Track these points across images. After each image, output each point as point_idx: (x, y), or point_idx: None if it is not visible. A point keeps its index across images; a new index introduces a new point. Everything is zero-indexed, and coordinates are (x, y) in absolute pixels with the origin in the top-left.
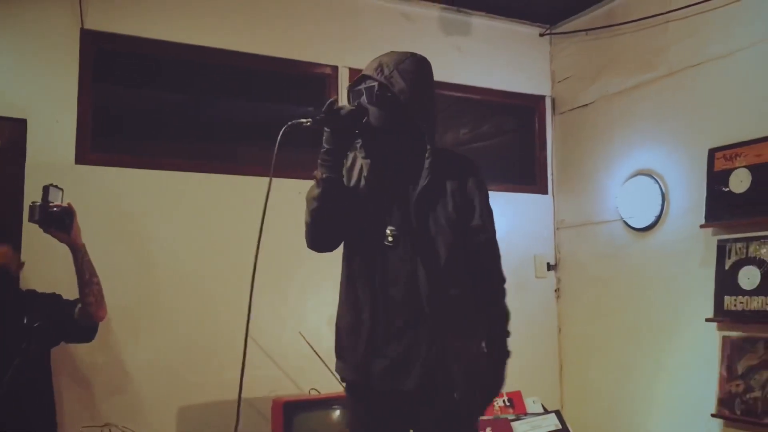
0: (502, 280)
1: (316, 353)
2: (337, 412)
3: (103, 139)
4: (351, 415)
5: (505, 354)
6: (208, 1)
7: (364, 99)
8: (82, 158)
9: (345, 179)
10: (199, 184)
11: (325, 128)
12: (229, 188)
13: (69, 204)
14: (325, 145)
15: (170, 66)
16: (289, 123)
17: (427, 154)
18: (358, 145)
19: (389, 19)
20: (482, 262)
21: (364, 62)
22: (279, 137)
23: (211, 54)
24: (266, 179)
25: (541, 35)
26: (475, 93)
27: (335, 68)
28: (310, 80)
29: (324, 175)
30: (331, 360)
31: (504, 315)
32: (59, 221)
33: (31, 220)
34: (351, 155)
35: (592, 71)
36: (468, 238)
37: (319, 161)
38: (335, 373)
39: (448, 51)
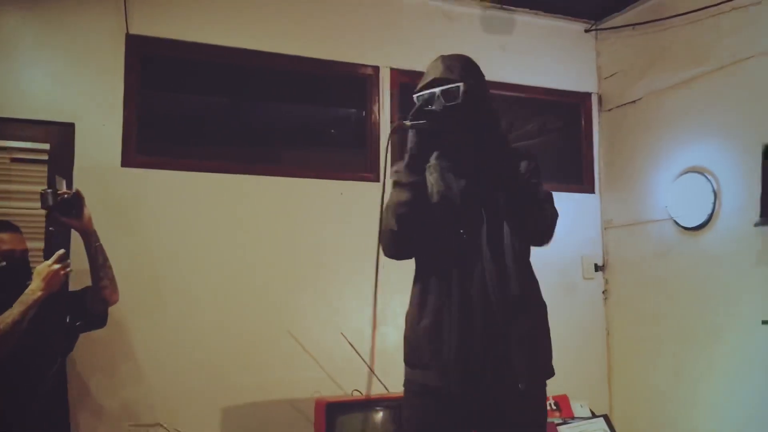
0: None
1: (359, 354)
2: (380, 414)
3: (148, 143)
4: (418, 421)
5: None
6: (249, 4)
7: (442, 100)
8: (127, 161)
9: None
10: (243, 185)
11: (413, 131)
12: (272, 190)
13: (78, 190)
14: (412, 149)
15: (213, 69)
16: (395, 125)
17: (500, 153)
18: (435, 157)
19: (431, 19)
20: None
21: (406, 62)
22: (388, 139)
23: (253, 57)
24: (306, 180)
25: (587, 31)
26: (519, 91)
27: (377, 68)
28: (351, 81)
29: (411, 180)
30: (376, 361)
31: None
32: (70, 207)
33: (43, 206)
34: (430, 166)
35: (640, 67)
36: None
37: (404, 166)
38: (378, 378)
39: (491, 49)
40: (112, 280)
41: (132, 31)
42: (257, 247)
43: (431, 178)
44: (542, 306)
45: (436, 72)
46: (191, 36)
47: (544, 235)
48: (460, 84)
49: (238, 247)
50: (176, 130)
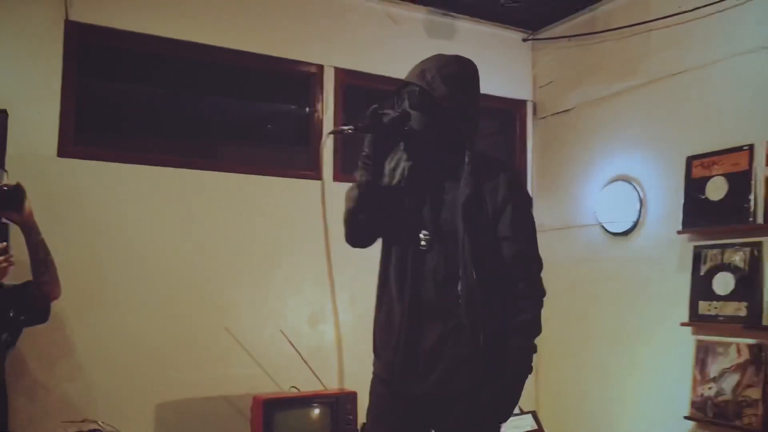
0: (539, 292)
1: (297, 351)
2: (317, 410)
3: (86, 133)
4: (374, 411)
5: (530, 347)
6: None
7: (407, 104)
8: (64, 151)
9: (387, 178)
10: (180, 179)
11: (367, 134)
12: (209, 185)
13: (18, 183)
14: (366, 149)
15: (154, 60)
16: (332, 131)
17: (467, 160)
18: (403, 147)
19: (375, 19)
20: (513, 273)
21: (350, 62)
22: (322, 145)
23: (196, 49)
24: (247, 176)
25: (524, 40)
26: None
27: (321, 67)
28: (295, 78)
29: (363, 179)
30: (311, 358)
31: (535, 321)
32: (10, 201)
33: None
34: (396, 156)
35: (574, 77)
36: (501, 248)
37: (359, 164)
38: (315, 375)
39: (431, 53)
40: (54, 274)
41: (72, 18)
42: (196, 242)
43: (392, 175)
44: (498, 302)
45: (412, 74)
46: (133, 25)
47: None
48: (416, 89)
49: (176, 243)
50: (114, 121)
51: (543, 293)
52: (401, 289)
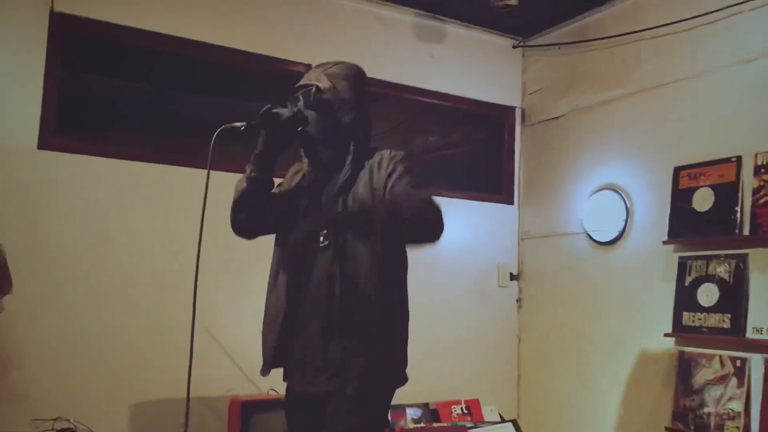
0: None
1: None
2: None
3: (67, 126)
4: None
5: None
6: None
7: (301, 104)
8: (44, 144)
9: (289, 181)
10: (161, 176)
11: (261, 132)
12: (189, 181)
13: None
14: (259, 146)
15: (140, 55)
16: (223, 126)
17: (350, 150)
18: (302, 151)
19: (364, 21)
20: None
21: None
22: (212, 139)
23: (184, 45)
24: (227, 174)
25: (514, 47)
26: (445, 100)
27: (309, 66)
28: (281, 78)
29: (252, 174)
30: None
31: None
32: None
33: None
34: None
35: (563, 85)
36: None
37: (251, 159)
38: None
39: (420, 57)
40: (3, 267)
41: (57, 9)
42: (175, 240)
43: (287, 177)
44: (387, 306)
45: (305, 78)
46: (120, 18)
47: (423, 236)
48: (310, 88)
49: (155, 240)
50: (97, 115)
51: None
52: (293, 288)
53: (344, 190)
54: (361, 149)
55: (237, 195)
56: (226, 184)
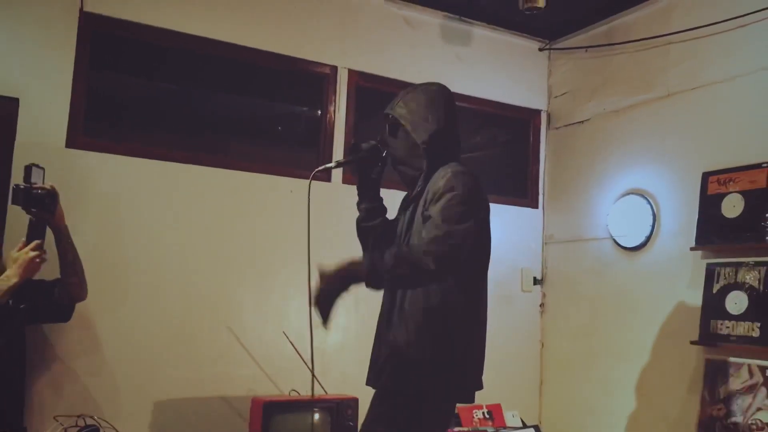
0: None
1: (299, 353)
2: (317, 415)
3: (95, 125)
4: None
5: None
6: None
7: (386, 132)
8: (72, 142)
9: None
10: (187, 175)
11: (353, 166)
12: (218, 182)
13: (52, 186)
14: (357, 178)
15: (168, 55)
16: (318, 169)
17: (423, 173)
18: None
19: (391, 22)
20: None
21: (364, 65)
22: (309, 183)
23: (211, 45)
24: (254, 175)
25: (541, 50)
26: (471, 103)
27: (335, 68)
28: (308, 79)
29: (361, 206)
30: (316, 362)
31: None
32: (43, 203)
33: (14, 202)
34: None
35: (590, 88)
36: None
37: (357, 193)
38: (316, 379)
39: (447, 58)
40: (81, 277)
41: (87, 9)
42: (201, 239)
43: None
44: (424, 322)
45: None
46: (148, 18)
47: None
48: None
49: (180, 239)
50: (125, 115)
51: (432, 256)
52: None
53: (406, 208)
54: (434, 166)
55: (356, 228)
56: (256, 186)
